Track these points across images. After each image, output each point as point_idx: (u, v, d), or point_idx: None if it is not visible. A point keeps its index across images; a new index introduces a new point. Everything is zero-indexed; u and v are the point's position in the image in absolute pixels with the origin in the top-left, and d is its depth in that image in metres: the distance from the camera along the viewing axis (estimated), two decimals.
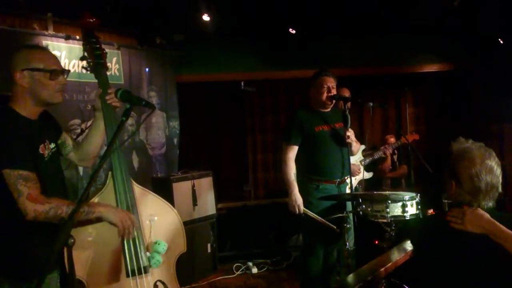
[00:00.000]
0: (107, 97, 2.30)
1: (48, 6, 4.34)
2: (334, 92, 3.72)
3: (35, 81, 2.12)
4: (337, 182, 3.70)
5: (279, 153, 3.87)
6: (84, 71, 4.44)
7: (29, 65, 2.11)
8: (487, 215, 1.91)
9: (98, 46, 2.40)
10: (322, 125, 3.73)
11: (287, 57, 6.08)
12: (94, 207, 2.13)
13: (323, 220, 3.51)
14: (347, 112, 3.63)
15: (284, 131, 3.81)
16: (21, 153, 2.03)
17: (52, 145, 2.25)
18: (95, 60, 2.39)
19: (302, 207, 3.54)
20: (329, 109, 3.79)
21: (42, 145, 2.16)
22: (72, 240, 1.70)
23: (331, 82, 3.72)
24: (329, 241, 3.68)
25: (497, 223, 1.88)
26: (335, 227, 3.50)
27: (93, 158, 2.50)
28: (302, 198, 3.58)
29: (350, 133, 3.63)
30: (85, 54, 2.41)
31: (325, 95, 3.70)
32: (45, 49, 2.33)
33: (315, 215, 3.55)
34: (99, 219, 2.15)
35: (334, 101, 3.74)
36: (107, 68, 2.44)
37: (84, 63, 2.42)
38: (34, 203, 1.98)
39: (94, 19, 2.41)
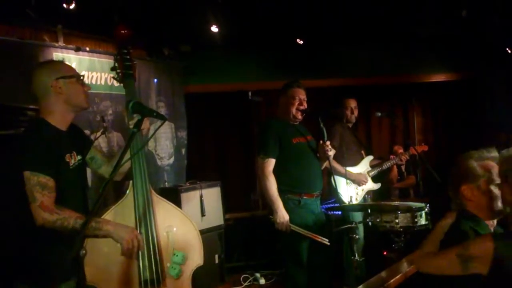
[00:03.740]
0: (131, 122, 2.33)
1: (58, 18, 4.39)
2: (305, 105, 3.63)
3: (70, 88, 2.24)
4: (315, 195, 3.59)
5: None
6: (93, 82, 4.56)
7: (61, 74, 2.23)
8: None
9: (128, 57, 2.47)
10: (299, 137, 3.62)
11: (294, 67, 6.09)
12: (103, 224, 2.15)
13: (313, 234, 3.38)
14: (322, 125, 3.52)
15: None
16: (45, 158, 2.10)
17: (79, 157, 2.31)
18: (125, 70, 2.46)
19: (289, 225, 3.39)
20: (297, 122, 3.70)
21: (68, 155, 2.24)
22: (84, 252, 1.73)
23: (302, 95, 3.63)
24: (315, 253, 3.51)
25: None
26: (326, 240, 3.39)
27: (124, 173, 2.53)
28: None
29: (329, 146, 3.52)
30: (116, 64, 2.48)
31: (295, 107, 3.59)
32: (63, 61, 2.44)
33: (304, 230, 3.40)
34: (106, 236, 2.17)
35: (304, 115, 3.63)
36: (135, 79, 2.51)
37: (113, 73, 2.49)
38: (44, 212, 2.04)
39: (126, 31, 2.48)
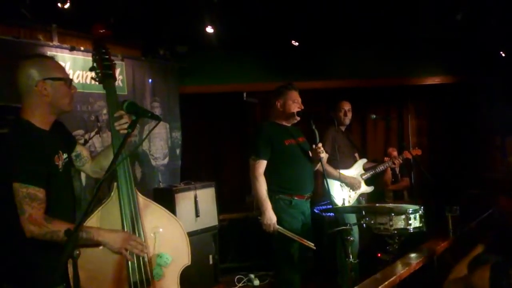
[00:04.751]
0: (116, 124, 2.28)
1: (53, 17, 4.37)
2: (302, 107, 3.69)
3: (56, 90, 2.15)
4: (306, 197, 3.65)
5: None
6: (88, 81, 4.53)
7: (49, 74, 2.14)
8: None
9: (107, 57, 2.40)
10: (290, 139, 3.66)
11: (290, 68, 6.10)
12: (93, 235, 2.09)
13: (299, 237, 3.45)
14: (314, 127, 3.56)
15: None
16: (34, 167, 2.03)
17: (65, 156, 2.25)
18: (104, 70, 2.38)
19: (276, 226, 3.44)
20: (290, 124, 3.75)
21: (56, 156, 2.17)
22: (78, 252, 1.71)
23: (299, 97, 3.70)
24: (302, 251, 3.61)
25: None
26: (312, 244, 3.45)
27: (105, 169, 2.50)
28: (275, 215, 3.48)
29: (321, 149, 3.55)
30: (94, 64, 2.40)
31: (296, 109, 3.65)
32: (54, 59, 2.35)
33: (289, 232, 3.46)
34: (99, 245, 2.14)
35: (299, 117, 3.68)
36: (115, 79, 2.43)
37: (93, 73, 2.41)
38: (32, 225, 1.99)
39: (104, 30, 2.42)
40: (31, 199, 2.00)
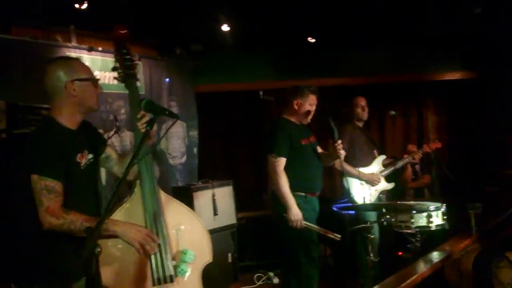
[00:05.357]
0: (139, 123, 2.32)
1: (71, 18, 4.41)
2: (313, 110, 3.75)
3: (84, 90, 2.20)
4: (316, 195, 3.71)
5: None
6: (106, 81, 4.57)
7: (77, 75, 2.19)
8: None
9: (129, 57, 2.45)
10: (305, 138, 3.71)
11: (306, 66, 6.07)
12: (109, 225, 2.10)
13: (325, 230, 3.49)
14: (333, 124, 3.59)
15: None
16: (54, 161, 2.08)
17: (90, 156, 2.28)
18: (126, 70, 2.43)
19: (303, 222, 3.47)
20: (300, 123, 3.79)
21: (79, 154, 2.21)
22: (99, 249, 1.72)
23: (316, 102, 3.74)
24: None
25: None
26: (338, 236, 3.47)
27: (137, 172, 2.49)
28: None
29: (340, 145, 3.57)
30: (116, 64, 2.45)
31: (313, 111, 3.71)
32: (79, 60, 2.40)
33: (316, 226, 3.52)
34: (114, 237, 2.15)
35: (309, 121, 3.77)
36: (137, 79, 2.47)
37: (115, 73, 2.46)
38: (50, 216, 2.02)
39: (125, 31, 2.46)
40: (48, 191, 2.03)
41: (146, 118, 2.29)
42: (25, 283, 2.20)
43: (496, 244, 2.96)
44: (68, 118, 2.20)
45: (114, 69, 2.45)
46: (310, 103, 3.70)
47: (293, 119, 3.76)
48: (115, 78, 2.49)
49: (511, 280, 1.97)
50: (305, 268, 3.59)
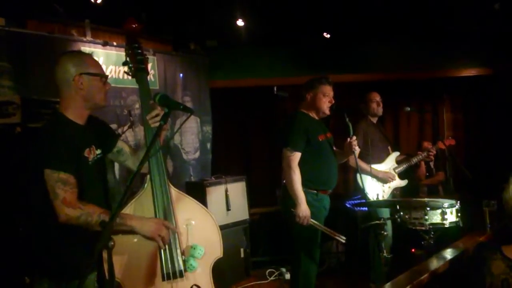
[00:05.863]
0: (147, 116, 2.32)
1: (86, 13, 4.44)
2: (332, 101, 3.65)
3: (92, 85, 2.21)
4: (328, 193, 3.66)
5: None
6: (120, 76, 4.59)
7: (86, 69, 2.20)
8: None
9: (140, 51, 2.44)
10: (322, 134, 3.64)
11: (321, 62, 6.03)
12: (127, 220, 2.13)
13: (330, 230, 3.45)
14: (348, 121, 3.54)
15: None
16: (64, 155, 2.09)
17: (98, 151, 2.29)
18: (137, 64, 2.42)
19: (310, 219, 3.44)
20: (319, 118, 3.72)
21: (87, 149, 2.22)
22: (112, 243, 1.72)
23: (332, 91, 3.65)
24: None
25: None
26: (343, 238, 3.45)
27: None
28: None
29: (355, 142, 3.54)
30: (127, 59, 2.44)
31: (328, 104, 3.62)
32: (91, 55, 2.40)
33: (322, 226, 3.49)
34: (131, 232, 2.16)
35: (329, 113, 3.67)
36: (148, 73, 2.47)
37: (126, 68, 2.45)
38: (67, 207, 2.04)
39: (137, 25, 2.45)
40: (63, 183, 2.05)
41: (156, 112, 2.29)
42: (36, 276, 2.23)
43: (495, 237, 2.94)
44: (75, 113, 2.21)
45: (125, 63, 2.44)
46: (323, 93, 3.61)
47: (311, 114, 3.70)
48: (125, 72, 2.49)
49: (501, 272, 1.98)
50: (305, 265, 3.57)
